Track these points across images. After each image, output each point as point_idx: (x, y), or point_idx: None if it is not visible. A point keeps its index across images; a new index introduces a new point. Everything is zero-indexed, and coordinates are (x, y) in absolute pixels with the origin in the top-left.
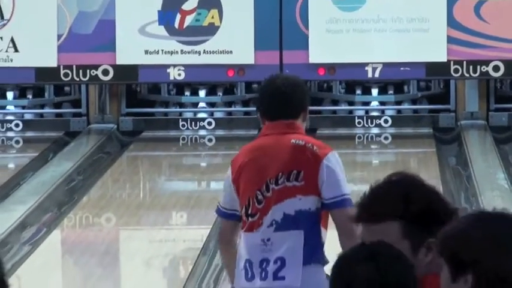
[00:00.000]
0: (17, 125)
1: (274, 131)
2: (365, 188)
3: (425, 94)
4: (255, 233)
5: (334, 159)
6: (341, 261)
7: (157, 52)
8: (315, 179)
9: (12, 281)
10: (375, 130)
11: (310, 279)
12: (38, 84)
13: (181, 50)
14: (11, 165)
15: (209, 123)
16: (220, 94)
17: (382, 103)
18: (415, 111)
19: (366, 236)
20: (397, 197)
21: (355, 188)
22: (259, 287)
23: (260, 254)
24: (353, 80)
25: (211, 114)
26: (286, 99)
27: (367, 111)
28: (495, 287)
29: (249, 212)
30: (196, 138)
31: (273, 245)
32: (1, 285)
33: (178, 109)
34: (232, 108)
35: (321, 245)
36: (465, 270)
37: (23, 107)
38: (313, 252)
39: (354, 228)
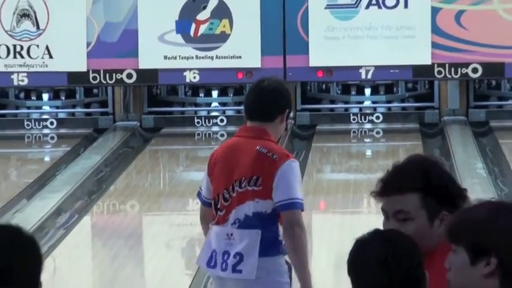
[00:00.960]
0: (51, 123)
1: (247, 134)
2: (359, 174)
3: (412, 94)
4: (221, 227)
5: (289, 167)
6: (358, 244)
7: (175, 57)
8: (271, 184)
9: (48, 261)
10: (368, 125)
11: (270, 267)
12: (69, 86)
13: (196, 56)
14: (47, 159)
15: (221, 121)
16: (231, 95)
17: (374, 102)
18: (403, 108)
19: (387, 207)
20: (417, 172)
21: (351, 176)
22: (220, 276)
23: (224, 246)
24: (348, 81)
25: (223, 112)
26: (263, 101)
27: (361, 109)
28: None
29: (218, 206)
30: (209, 134)
31: (234, 240)
32: (38, 264)
33: (193, 108)
34: (242, 107)
35: (278, 240)
36: (486, 253)
37: (57, 107)
38: (271, 246)
39: (296, 230)
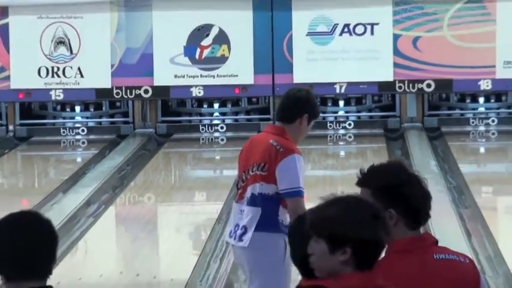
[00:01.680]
0: (83, 130)
1: (269, 131)
2: (335, 171)
3: (377, 105)
4: (238, 203)
5: (292, 159)
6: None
7: (183, 76)
8: (274, 171)
9: (80, 244)
10: (342, 131)
11: (267, 242)
12: (97, 100)
13: (201, 75)
14: (79, 160)
15: (221, 128)
16: (230, 106)
17: (346, 111)
18: (371, 117)
19: (361, 194)
20: (377, 173)
21: (327, 172)
22: (232, 243)
23: (237, 220)
24: (325, 95)
25: (223, 121)
26: (285, 106)
27: (335, 118)
28: (368, 251)
29: (238, 186)
30: (212, 139)
31: (243, 215)
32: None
33: (199, 117)
34: (238, 117)
35: (276, 219)
36: (343, 244)
37: (87, 117)
38: (269, 224)
39: (300, 213)
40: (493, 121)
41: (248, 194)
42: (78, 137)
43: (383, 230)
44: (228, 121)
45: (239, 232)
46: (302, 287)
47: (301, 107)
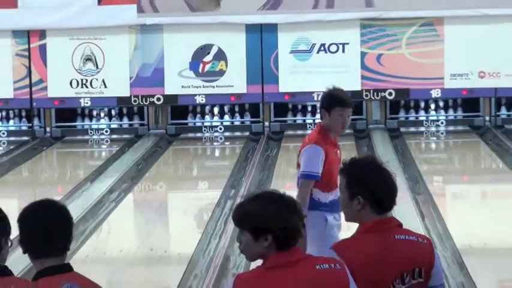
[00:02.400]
0: (106, 131)
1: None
2: None
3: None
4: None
5: (307, 149)
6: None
7: (189, 86)
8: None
9: (104, 225)
10: None
11: (307, 218)
12: (118, 106)
13: (203, 85)
14: (103, 155)
15: (220, 128)
16: (227, 111)
17: None
18: None
19: (340, 181)
20: (350, 166)
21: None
22: None
23: None
24: (305, 102)
25: (222, 123)
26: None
27: (314, 120)
28: (286, 235)
29: None
30: (212, 138)
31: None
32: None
33: (201, 120)
34: (234, 119)
35: (312, 198)
36: (264, 233)
37: (110, 120)
38: (310, 203)
39: (301, 190)
40: (442, 123)
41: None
42: (102, 136)
43: (296, 216)
44: (225, 123)
45: None
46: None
47: (323, 101)
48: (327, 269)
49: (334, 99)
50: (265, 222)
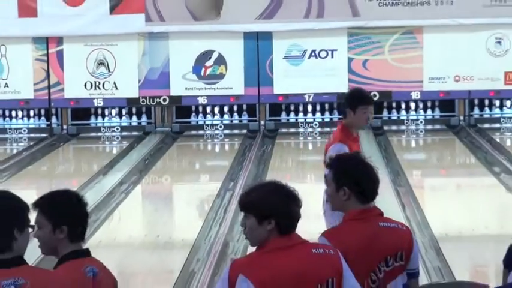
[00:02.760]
0: (117, 129)
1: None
2: (304, 159)
3: (336, 110)
4: None
5: (332, 149)
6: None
7: (192, 89)
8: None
9: (115, 213)
10: (310, 129)
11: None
12: (128, 106)
13: (205, 87)
14: (114, 151)
15: (220, 126)
16: (226, 110)
17: (313, 114)
18: (331, 119)
19: (328, 173)
20: (335, 160)
21: (299, 159)
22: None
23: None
24: (298, 102)
25: (221, 121)
26: (343, 103)
27: (305, 119)
28: (286, 221)
29: None
30: (213, 135)
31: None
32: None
33: (203, 119)
34: (233, 118)
35: None
36: (267, 218)
37: (120, 118)
38: None
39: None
40: (421, 122)
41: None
42: (113, 133)
43: (296, 204)
44: (225, 121)
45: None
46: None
47: (347, 101)
48: (322, 254)
49: (358, 98)
50: (269, 207)
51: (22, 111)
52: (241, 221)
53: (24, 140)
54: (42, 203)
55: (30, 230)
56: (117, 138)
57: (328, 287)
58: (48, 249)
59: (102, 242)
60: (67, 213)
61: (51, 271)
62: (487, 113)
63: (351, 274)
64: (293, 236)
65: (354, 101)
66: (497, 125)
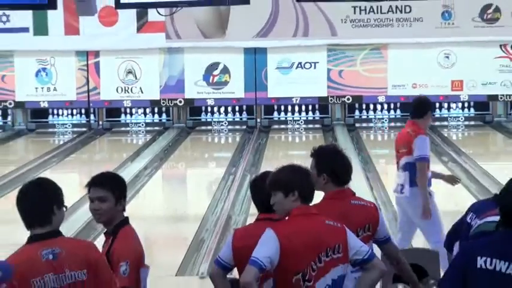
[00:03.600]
0: (142, 124)
1: (407, 125)
2: (295, 152)
3: (317, 110)
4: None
5: (418, 139)
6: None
7: (202, 93)
8: (411, 148)
9: (141, 192)
10: (296, 126)
11: (418, 193)
12: (151, 107)
13: (213, 92)
14: (140, 142)
15: (224, 123)
16: (229, 110)
17: (299, 114)
18: (313, 118)
19: (311, 162)
20: (318, 149)
21: (290, 152)
22: (396, 196)
23: (397, 180)
24: (287, 104)
25: (226, 119)
26: (413, 106)
27: (293, 118)
28: (306, 193)
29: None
30: (219, 130)
31: (400, 177)
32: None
33: (211, 117)
34: (235, 117)
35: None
36: (292, 191)
37: (145, 116)
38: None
39: (425, 172)
40: (385, 120)
41: (401, 164)
42: (139, 128)
43: (311, 181)
44: (228, 119)
45: (399, 188)
46: (260, 218)
47: (423, 106)
48: (332, 225)
49: (429, 105)
50: (292, 183)
51: (67, 110)
52: (271, 199)
53: (68, 133)
54: (109, 182)
55: (64, 209)
56: (142, 132)
57: (335, 251)
58: (107, 219)
59: (130, 215)
60: (125, 189)
61: (81, 240)
62: (437, 113)
63: (354, 239)
64: (310, 208)
65: (426, 106)
66: (445, 123)
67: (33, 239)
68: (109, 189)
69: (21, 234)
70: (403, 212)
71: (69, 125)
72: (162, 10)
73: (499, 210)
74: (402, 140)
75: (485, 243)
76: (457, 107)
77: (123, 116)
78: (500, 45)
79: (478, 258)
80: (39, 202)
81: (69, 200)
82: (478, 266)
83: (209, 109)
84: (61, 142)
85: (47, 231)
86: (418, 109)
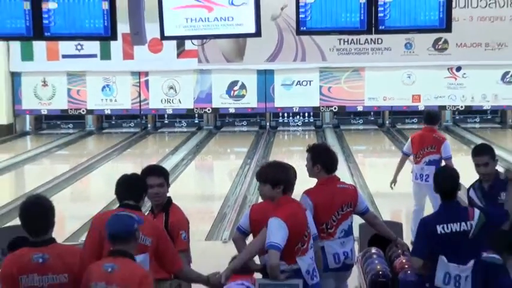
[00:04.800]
0: (181, 126)
1: (425, 129)
2: (292, 149)
3: (313, 116)
4: (418, 165)
5: (446, 143)
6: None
7: (225, 103)
8: (440, 148)
9: (179, 178)
10: (294, 128)
11: None
12: (187, 113)
13: (233, 102)
14: (178, 140)
15: (242, 125)
16: (245, 117)
17: (297, 119)
18: (308, 121)
19: (307, 156)
20: (312, 146)
21: (290, 149)
22: (418, 183)
23: (420, 171)
24: (289, 112)
25: (244, 122)
26: (428, 114)
27: (293, 121)
28: (289, 186)
29: (417, 156)
30: (239, 130)
31: (424, 170)
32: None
33: (233, 119)
34: (250, 121)
35: None
36: (278, 184)
37: (182, 120)
38: None
39: (452, 167)
40: (363, 123)
41: (426, 159)
42: (179, 130)
43: (295, 176)
44: (245, 123)
45: (424, 177)
46: (254, 206)
47: (434, 117)
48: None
49: (440, 116)
50: (280, 177)
51: (124, 117)
52: (259, 188)
53: (125, 133)
54: (164, 172)
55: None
56: (180, 132)
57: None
58: (163, 200)
59: (172, 196)
60: (169, 176)
61: (70, 247)
62: (402, 120)
63: (362, 201)
64: (290, 197)
65: (440, 117)
66: (407, 127)
67: (29, 245)
68: (164, 177)
69: (94, 208)
70: (420, 197)
71: (125, 127)
72: (195, 41)
73: (439, 192)
74: (431, 141)
75: (436, 215)
76: (416, 114)
77: (166, 120)
78: (448, 68)
79: (437, 226)
80: (37, 217)
81: None
82: (439, 232)
83: (231, 116)
84: (119, 140)
85: (42, 240)
86: (435, 118)
